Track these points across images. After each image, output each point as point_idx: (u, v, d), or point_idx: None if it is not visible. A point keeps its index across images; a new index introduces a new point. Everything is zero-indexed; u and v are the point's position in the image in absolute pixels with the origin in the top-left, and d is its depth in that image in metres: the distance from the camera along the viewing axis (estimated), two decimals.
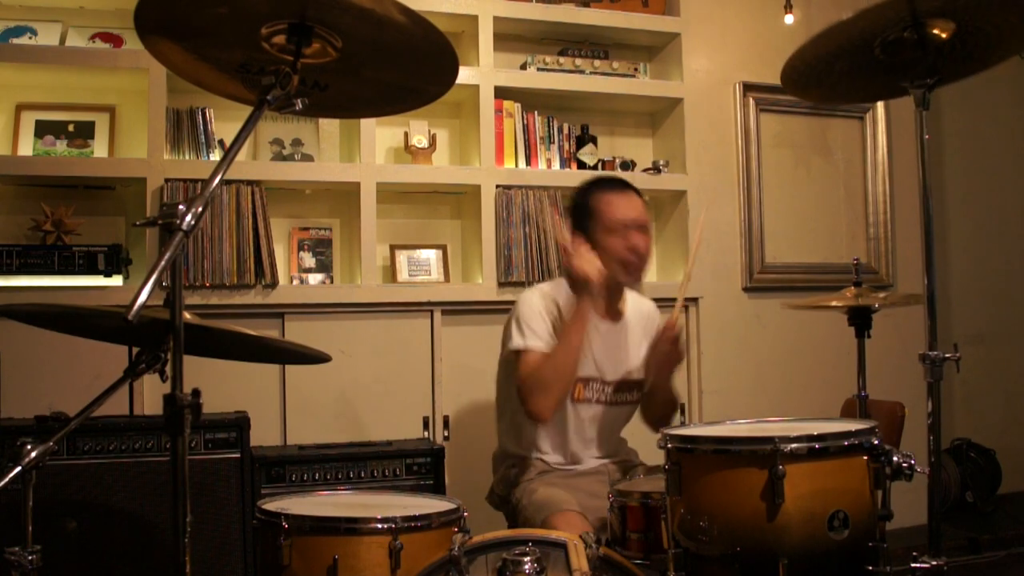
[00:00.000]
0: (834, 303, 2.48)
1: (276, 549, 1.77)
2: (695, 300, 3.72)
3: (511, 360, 2.40)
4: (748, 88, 3.93)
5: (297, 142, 3.33)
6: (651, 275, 3.79)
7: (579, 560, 1.60)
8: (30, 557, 1.54)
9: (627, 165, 3.69)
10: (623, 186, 2.49)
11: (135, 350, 1.67)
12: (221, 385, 2.83)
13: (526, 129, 3.55)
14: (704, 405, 3.70)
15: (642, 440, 2.65)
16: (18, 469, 1.50)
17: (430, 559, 1.70)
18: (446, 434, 3.28)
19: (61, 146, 3.15)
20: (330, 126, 3.39)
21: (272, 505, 1.90)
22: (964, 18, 1.71)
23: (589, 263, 2.29)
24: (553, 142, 3.60)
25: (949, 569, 1.70)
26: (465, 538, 1.69)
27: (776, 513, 1.56)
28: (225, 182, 3.06)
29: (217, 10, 1.44)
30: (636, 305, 2.60)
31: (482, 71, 3.42)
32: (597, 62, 3.64)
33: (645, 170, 3.70)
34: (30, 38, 3.15)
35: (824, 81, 1.95)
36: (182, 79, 1.65)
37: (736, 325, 3.85)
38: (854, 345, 2.46)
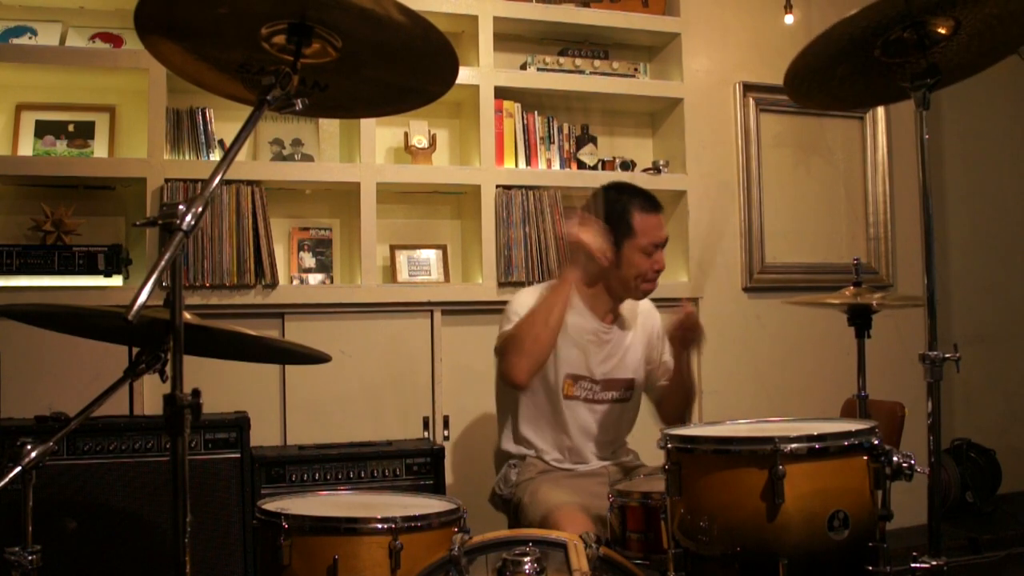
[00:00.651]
0: (834, 303, 2.48)
1: (276, 549, 1.77)
2: (695, 300, 3.72)
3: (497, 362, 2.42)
4: (748, 88, 3.93)
5: (297, 142, 3.33)
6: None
7: (579, 560, 1.60)
8: (30, 557, 1.54)
9: (627, 165, 3.69)
10: (658, 207, 2.50)
11: (135, 350, 1.67)
12: (221, 385, 2.83)
13: (526, 129, 3.55)
14: (704, 405, 3.70)
15: (642, 440, 2.65)
16: (18, 469, 1.50)
17: (430, 559, 1.70)
18: (446, 434, 3.27)
19: (61, 146, 3.15)
20: (330, 126, 3.39)
21: (272, 505, 1.90)
22: (964, 16, 1.71)
23: (597, 240, 2.31)
24: (553, 142, 3.60)
25: (949, 569, 1.70)
26: (465, 538, 1.69)
27: (776, 513, 1.56)
28: (225, 182, 3.06)
29: (217, 10, 1.44)
30: (632, 306, 2.61)
31: (482, 71, 3.42)
32: (597, 62, 3.65)
33: (645, 170, 3.70)
34: (30, 38, 3.16)
35: (826, 87, 1.95)
36: (182, 79, 1.65)
37: (736, 325, 3.85)
38: (854, 345, 2.46)
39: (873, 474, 1.63)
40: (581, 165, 3.62)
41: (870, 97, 2.10)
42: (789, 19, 3.86)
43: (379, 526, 1.76)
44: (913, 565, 1.70)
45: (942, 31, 1.74)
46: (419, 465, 2.85)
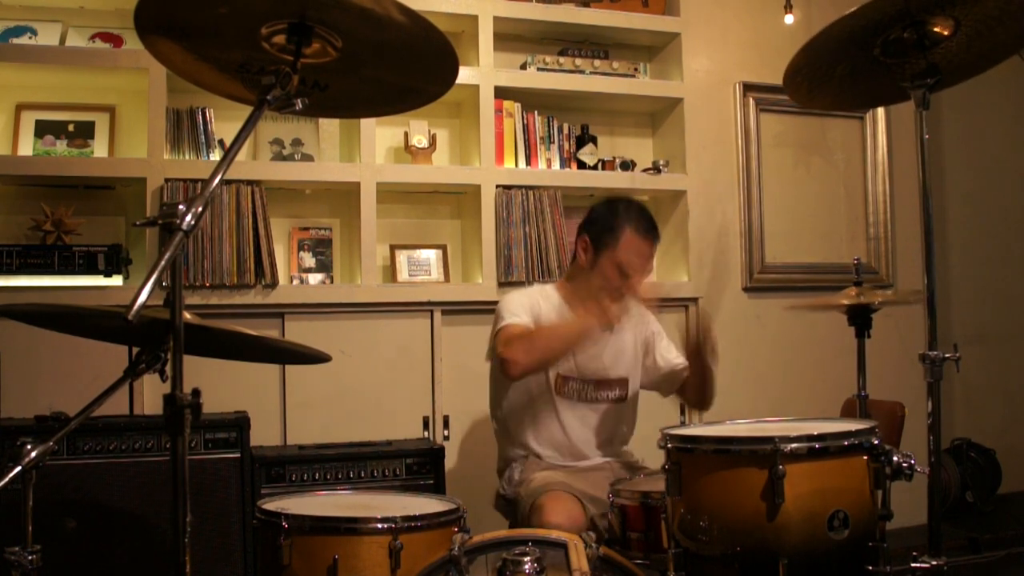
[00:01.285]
0: (834, 303, 2.48)
1: (276, 549, 1.77)
2: (695, 300, 3.72)
3: (495, 347, 2.42)
4: (748, 88, 3.93)
5: (297, 142, 3.33)
6: (651, 275, 3.80)
7: (579, 560, 1.60)
8: (30, 557, 1.54)
9: (627, 165, 3.69)
10: (653, 235, 2.49)
11: (135, 350, 1.67)
12: (221, 385, 2.83)
13: (526, 129, 3.55)
14: None
15: (642, 440, 2.65)
16: (18, 469, 1.50)
17: (430, 559, 1.70)
18: (446, 434, 3.27)
19: (61, 146, 3.15)
20: (330, 126, 3.39)
21: (272, 505, 1.90)
22: (963, 16, 1.71)
23: (619, 314, 2.36)
24: (553, 142, 3.60)
25: (949, 569, 1.70)
26: (465, 538, 1.69)
27: (776, 513, 1.56)
28: (225, 182, 3.06)
29: (217, 10, 1.44)
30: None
31: (482, 71, 3.42)
32: (597, 62, 3.64)
33: (645, 170, 3.70)
34: (30, 38, 3.15)
35: (826, 86, 1.95)
36: (182, 79, 1.65)
37: (736, 325, 3.85)
38: (854, 345, 2.46)
39: (873, 474, 1.64)
40: (581, 165, 3.62)
41: (870, 97, 2.10)
42: (789, 19, 3.86)
43: (379, 526, 1.76)
44: (913, 565, 1.70)
45: (941, 31, 1.74)
46: (419, 465, 2.85)
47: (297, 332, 3.14)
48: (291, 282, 3.31)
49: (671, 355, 2.59)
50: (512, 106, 3.52)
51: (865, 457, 1.64)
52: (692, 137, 3.72)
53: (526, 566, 1.53)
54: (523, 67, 3.58)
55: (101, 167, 3.10)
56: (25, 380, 2.84)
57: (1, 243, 2.96)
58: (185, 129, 3.14)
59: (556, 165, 3.59)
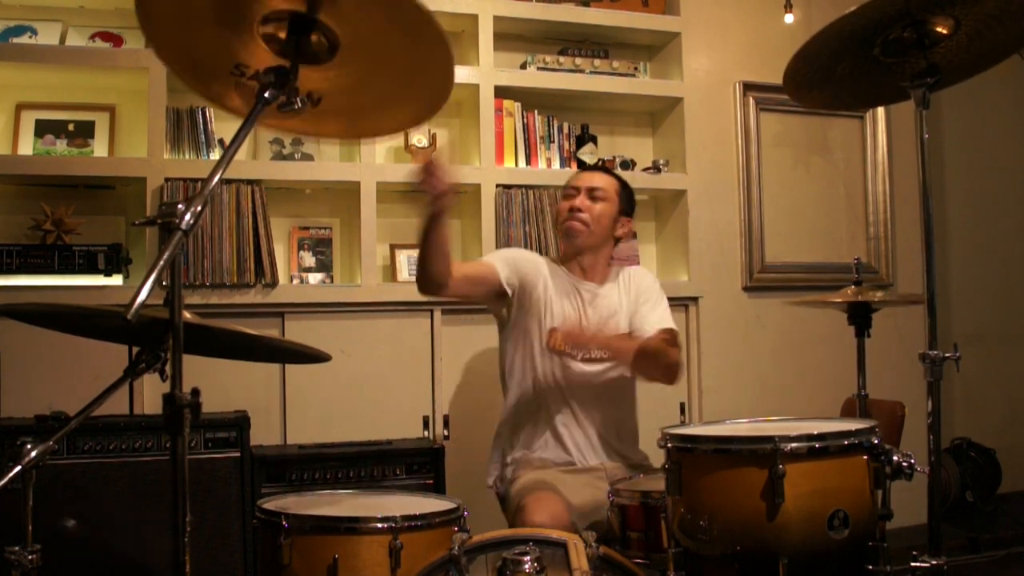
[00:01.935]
0: (834, 301, 2.48)
1: (276, 549, 1.77)
2: (695, 299, 3.72)
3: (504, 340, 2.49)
4: (748, 88, 3.93)
5: (297, 141, 3.33)
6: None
7: (579, 559, 1.60)
8: (30, 557, 1.54)
9: (627, 164, 3.69)
10: (594, 168, 2.70)
11: (135, 349, 1.67)
12: (221, 385, 2.83)
13: (526, 128, 3.55)
14: (704, 404, 3.70)
15: (643, 440, 2.65)
16: (18, 469, 1.50)
17: (430, 559, 1.70)
18: (446, 433, 3.27)
19: (61, 146, 3.15)
20: None
21: (272, 505, 1.90)
22: (963, 16, 1.71)
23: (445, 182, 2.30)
24: (553, 141, 3.60)
25: (949, 568, 1.70)
26: (465, 538, 1.69)
27: (776, 513, 1.56)
28: (225, 181, 3.06)
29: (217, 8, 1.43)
30: (628, 273, 2.64)
31: (482, 70, 3.42)
32: (597, 62, 3.64)
33: (645, 169, 3.70)
34: (30, 37, 3.15)
35: (826, 85, 1.95)
36: (181, 80, 1.65)
37: (736, 325, 3.85)
38: (854, 344, 2.46)
39: (873, 473, 1.64)
40: (581, 164, 3.62)
41: (870, 97, 2.10)
42: (789, 18, 3.86)
43: (379, 525, 1.76)
44: (913, 564, 1.70)
45: (941, 30, 1.74)
46: (419, 465, 2.85)
47: (297, 332, 3.14)
48: (291, 282, 3.31)
49: (645, 324, 2.52)
50: (512, 106, 3.52)
51: (865, 457, 1.64)
52: (692, 137, 3.72)
53: (526, 566, 1.53)
54: (523, 67, 3.58)
55: (101, 167, 3.10)
56: (25, 380, 2.84)
57: (1, 243, 2.96)
58: (185, 129, 3.14)
59: (556, 165, 3.59)
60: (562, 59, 3.60)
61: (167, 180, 3.04)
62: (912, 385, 2.23)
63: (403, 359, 3.28)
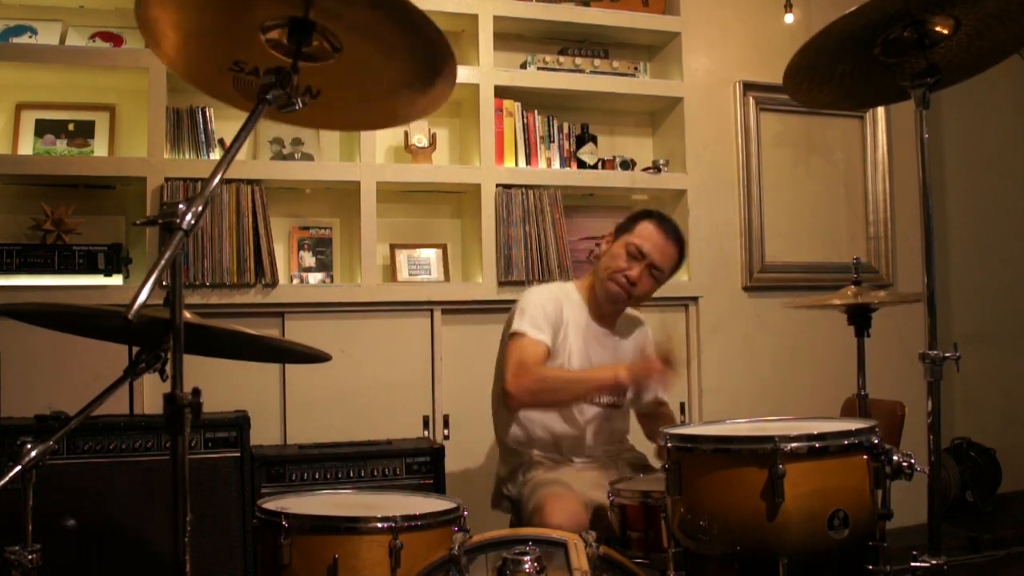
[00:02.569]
0: (834, 302, 2.48)
1: (276, 548, 1.77)
2: (695, 299, 3.72)
3: (504, 364, 2.43)
4: (748, 87, 3.93)
5: (297, 141, 3.33)
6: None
7: (579, 559, 1.60)
8: (30, 556, 1.54)
9: (627, 164, 3.69)
10: (669, 232, 2.51)
11: (135, 349, 1.67)
12: (221, 385, 2.82)
13: (526, 128, 3.55)
14: (704, 404, 3.70)
15: (643, 439, 2.66)
16: (18, 468, 1.50)
17: (430, 558, 1.70)
18: (446, 433, 3.27)
19: (61, 145, 3.15)
20: None
21: (272, 504, 1.90)
22: (963, 15, 1.71)
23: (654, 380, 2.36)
24: (553, 141, 3.60)
25: (949, 568, 1.70)
26: (465, 537, 1.69)
27: (776, 512, 1.56)
28: (225, 181, 3.06)
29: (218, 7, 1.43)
30: (629, 317, 2.63)
31: (482, 70, 3.42)
32: (597, 61, 3.64)
33: (645, 169, 3.70)
34: (30, 37, 3.15)
35: (826, 85, 1.95)
36: (181, 79, 1.65)
37: (736, 324, 3.85)
38: (854, 344, 2.46)
39: (873, 473, 1.64)
40: (581, 164, 3.62)
41: (870, 97, 2.10)
42: (789, 18, 3.86)
43: (379, 525, 1.76)
44: (913, 564, 1.70)
45: (942, 30, 1.74)
46: (419, 464, 2.85)
47: (297, 331, 3.14)
48: (291, 281, 3.31)
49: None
50: (512, 105, 3.52)
51: (865, 456, 1.64)
52: (692, 136, 3.72)
53: (526, 565, 1.53)
54: (523, 66, 3.58)
55: (101, 166, 3.10)
56: (25, 380, 2.84)
57: (1, 243, 2.96)
58: (185, 128, 3.14)
59: (556, 164, 3.59)
60: (562, 59, 3.60)
61: (167, 180, 3.04)
62: (912, 385, 2.23)
63: (403, 359, 3.28)
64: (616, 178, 3.63)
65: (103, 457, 2.55)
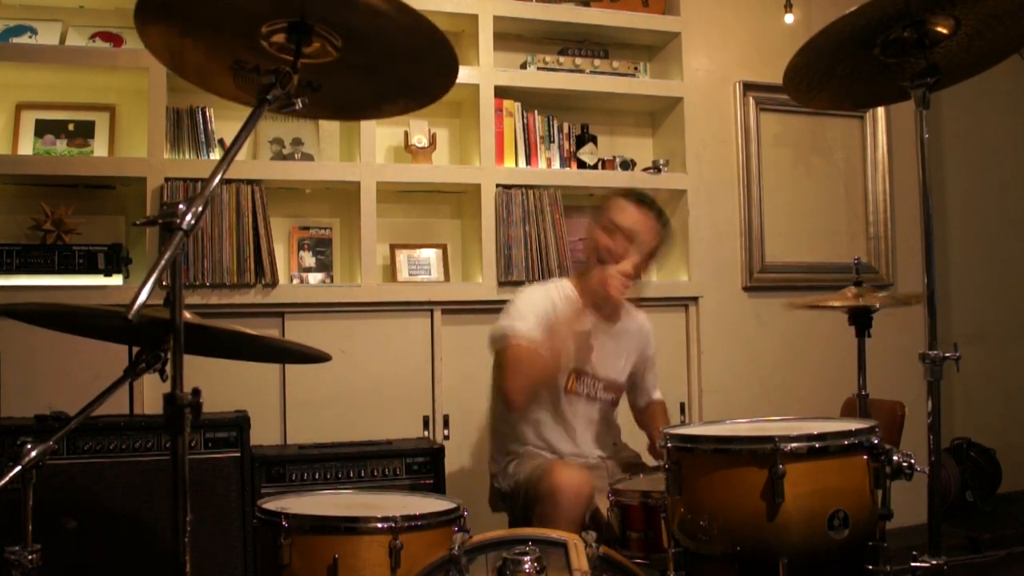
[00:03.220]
0: (834, 303, 2.48)
1: (276, 548, 1.77)
2: (695, 299, 3.72)
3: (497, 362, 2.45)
4: (748, 87, 3.93)
5: (297, 141, 3.33)
6: (651, 274, 3.80)
7: (579, 559, 1.60)
8: (30, 557, 1.54)
9: (627, 164, 3.69)
10: (642, 200, 2.52)
11: (135, 349, 1.67)
12: (221, 385, 2.83)
13: (526, 128, 3.55)
14: (704, 404, 3.70)
15: (643, 439, 2.65)
16: (18, 469, 1.50)
17: (430, 558, 1.70)
18: (446, 433, 3.27)
19: (61, 145, 3.15)
20: (330, 125, 3.39)
21: (272, 504, 1.90)
22: (963, 15, 1.71)
23: (620, 288, 2.38)
24: (553, 141, 3.60)
25: (949, 568, 1.70)
26: (465, 537, 1.69)
27: (776, 512, 1.56)
28: (225, 181, 3.06)
29: (217, 5, 1.44)
30: (632, 315, 2.64)
31: (482, 70, 3.42)
32: (597, 61, 3.64)
33: (645, 169, 3.70)
34: (30, 37, 3.15)
35: (826, 85, 1.95)
36: (181, 79, 1.65)
37: (736, 325, 3.85)
38: (854, 344, 2.45)
39: (873, 473, 1.64)
40: (581, 164, 3.62)
41: (870, 97, 2.10)
42: (789, 18, 3.86)
43: (379, 525, 1.76)
44: (913, 564, 1.70)
45: (942, 30, 1.74)
46: (419, 464, 2.85)
47: (297, 332, 3.14)
48: (291, 281, 3.31)
49: (651, 387, 2.71)
50: (512, 105, 3.52)
51: (865, 456, 1.64)
52: (692, 136, 3.72)
53: (526, 565, 1.53)
54: (523, 66, 3.58)
55: (101, 166, 3.10)
56: (25, 380, 2.84)
57: (1, 243, 2.96)
58: (185, 128, 3.14)
59: (556, 164, 3.59)
60: (562, 59, 3.60)
61: (167, 180, 3.04)
62: (912, 385, 2.23)
63: (403, 359, 3.28)
64: (616, 178, 3.62)
65: (103, 457, 2.55)
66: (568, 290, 2.54)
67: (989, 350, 4.38)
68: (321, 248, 3.38)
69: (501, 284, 3.35)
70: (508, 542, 1.68)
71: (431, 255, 3.50)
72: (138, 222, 1.38)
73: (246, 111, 1.46)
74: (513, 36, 3.67)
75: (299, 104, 1.48)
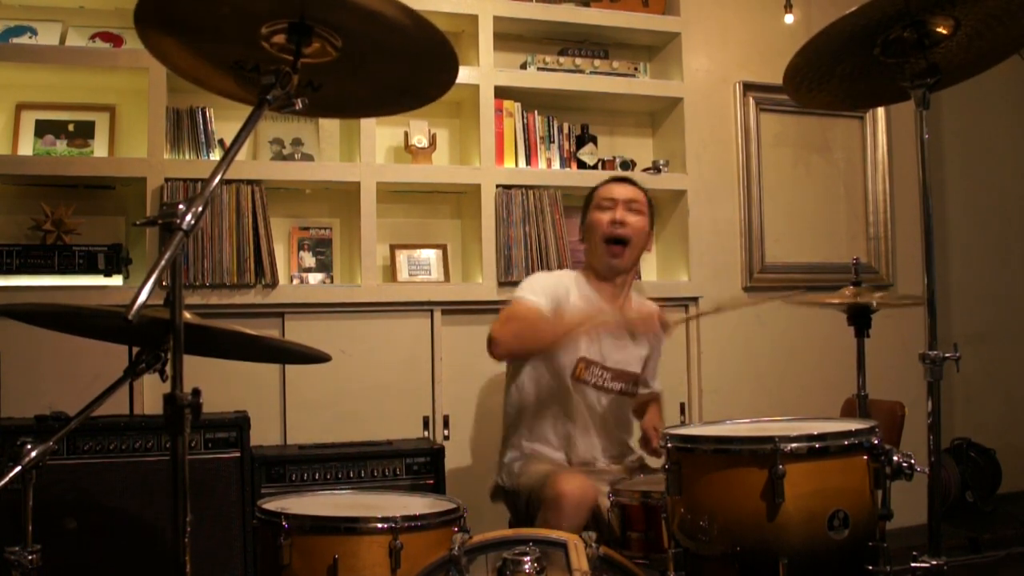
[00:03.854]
0: (834, 302, 2.48)
1: (276, 549, 1.77)
2: (695, 299, 3.72)
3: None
4: (748, 88, 3.93)
5: (297, 142, 3.33)
6: (651, 274, 3.81)
7: (579, 560, 1.60)
8: (30, 557, 1.54)
9: (627, 165, 3.69)
10: (623, 179, 2.65)
11: (135, 350, 1.67)
12: (221, 385, 2.83)
13: (526, 129, 3.55)
14: (704, 405, 3.70)
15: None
16: (18, 469, 1.50)
17: (430, 559, 1.70)
18: (446, 434, 3.27)
19: (61, 146, 3.15)
20: (330, 126, 3.39)
21: (272, 505, 1.90)
22: (963, 16, 1.71)
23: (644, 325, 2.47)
24: (553, 142, 3.60)
25: (949, 569, 1.69)
26: (465, 538, 1.69)
27: (776, 513, 1.56)
28: (225, 182, 3.06)
29: (219, 9, 1.44)
30: (640, 306, 2.63)
31: (482, 71, 3.42)
32: (597, 62, 3.64)
33: (645, 170, 3.70)
34: (30, 38, 3.15)
35: (826, 86, 1.95)
36: (182, 79, 1.65)
37: (736, 325, 3.85)
38: (854, 345, 2.45)
39: (873, 473, 1.64)
40: (581, 165, 3.62)
41: (870, 97, 2.10)
42: (789, 19, 3.86)
43: (379, 526, 1.76)
44: (913, 564, 1.70)
45: (942, 30, 1.74)
46: (419, 465, 2.85)
47: (297, 332, 3.14)
48: (291, 282, 3.31)
49: (649, 377, 2.69)
50: (512, 106, 3.52)
51: (865, 457, 1.64)
52: (692, 137, 3.72)
53: (526, 566, 1.53)
54: (523, 67, 3.58)
55: (101, 167, 3.10)
56: (25, 380, 2.84)
57: (1, 243, 2.96)
58: (185, 129, 3.14)
59: (556, 165, 3.59)
60: (562, 59, 3.60)
61: (167, 180, 3.04)
62: (912, 385, 2.23)
63: (403, 359, 3.28)
64: None
65: (103, 457, 2.55)
66: (580, 279, 2.58)
67: (989, 350, 4.38)
68: (321, 248, 3.38)
69: (501, 284, 3.35)
70: (508, 542, 1.68)
71: (431, 255, 3.50)
72: (138, 222, 1.38)
73: (246, 111, 1.46)
74: (513, 36, 3.67)
75: (299, 104, 1.48)
